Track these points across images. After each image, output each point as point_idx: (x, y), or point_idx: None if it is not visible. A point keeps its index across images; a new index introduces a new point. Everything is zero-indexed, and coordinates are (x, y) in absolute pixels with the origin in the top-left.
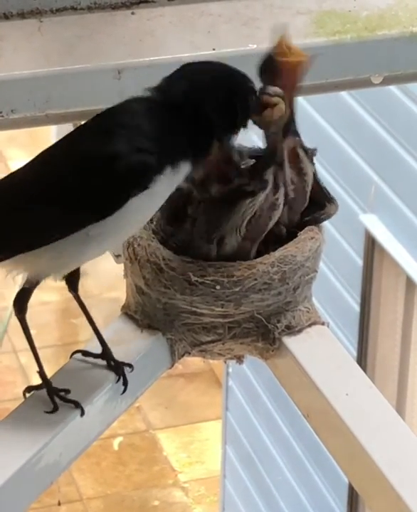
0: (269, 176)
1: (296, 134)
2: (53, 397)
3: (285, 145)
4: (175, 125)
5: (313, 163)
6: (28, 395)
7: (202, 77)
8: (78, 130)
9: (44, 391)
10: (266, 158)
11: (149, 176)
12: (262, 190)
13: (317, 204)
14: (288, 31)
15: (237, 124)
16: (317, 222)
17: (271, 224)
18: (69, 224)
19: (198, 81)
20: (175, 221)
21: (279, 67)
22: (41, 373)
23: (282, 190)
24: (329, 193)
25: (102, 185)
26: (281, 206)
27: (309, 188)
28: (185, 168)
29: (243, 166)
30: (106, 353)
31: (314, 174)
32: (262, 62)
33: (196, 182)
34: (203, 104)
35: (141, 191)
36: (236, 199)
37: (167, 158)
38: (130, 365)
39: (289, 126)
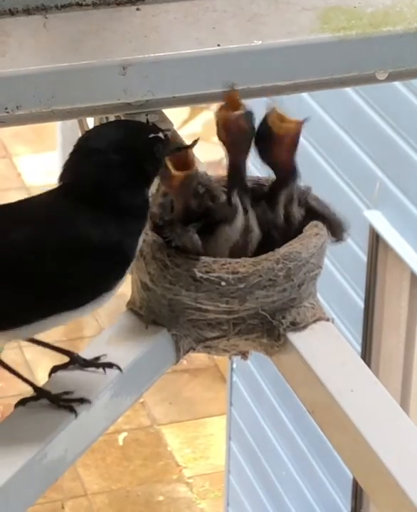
0: (236, 199)
1: (295, 180)
2: (59, 404)
3: (284, 192)
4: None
5: (305, 204)
6: (20, 406)
7: (101, 156)
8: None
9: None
10: (230, 183)
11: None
12: (232, 214)
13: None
14: (277, 106)
15: (153, 173)
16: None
17: (251, 247)
18: (50, 309)
19: (98, 162)
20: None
21: (275, 135)
22: (35, 387)
23: (251, 214)
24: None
25: (101, 270)
26: (256, 229)
27: (292, 231)
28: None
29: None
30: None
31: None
32: (258, 131)
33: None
34: (114, 181)
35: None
36: (214, 227)
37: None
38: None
39: (292, 177)
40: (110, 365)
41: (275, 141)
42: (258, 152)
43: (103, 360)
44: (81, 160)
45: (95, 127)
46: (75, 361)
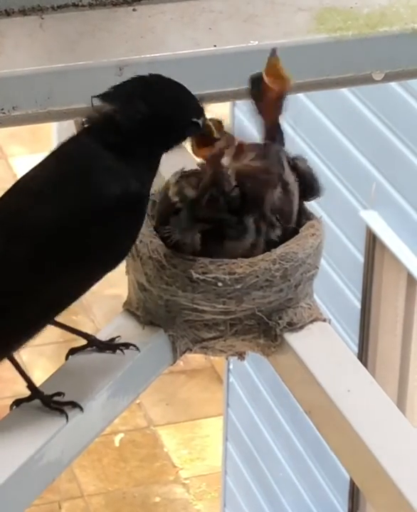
0: (249, 223)
1: (282, 144)
2: (50, 406)
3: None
4: (128, 150)
5: (297, 179)
6: (15, 407)
7: (159, 100)
8: (46, 185)
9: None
10: (248, 204)
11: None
12: (242, 236)
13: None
14: (279, 55)
15: (169, 146)
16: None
17: (256, 254)
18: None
19: (155, 103)
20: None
21: (266, 89)
22: (30, 386)
23: (264, 234)
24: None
25: (129, 223)
26: (262, 245)
27: (295, 205)
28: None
29: (232, 194)
30: (94, 340)
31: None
32: (252, 80)
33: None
34: (155, 126)
35: None
36: (222, 237)
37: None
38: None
39: (276, 135)
40: (127, 346)
41: (264, 92)
42: (252, 101)
43: (118, 341)
44: (127, 91)
45: (160, 76)
46: (93, 344)
